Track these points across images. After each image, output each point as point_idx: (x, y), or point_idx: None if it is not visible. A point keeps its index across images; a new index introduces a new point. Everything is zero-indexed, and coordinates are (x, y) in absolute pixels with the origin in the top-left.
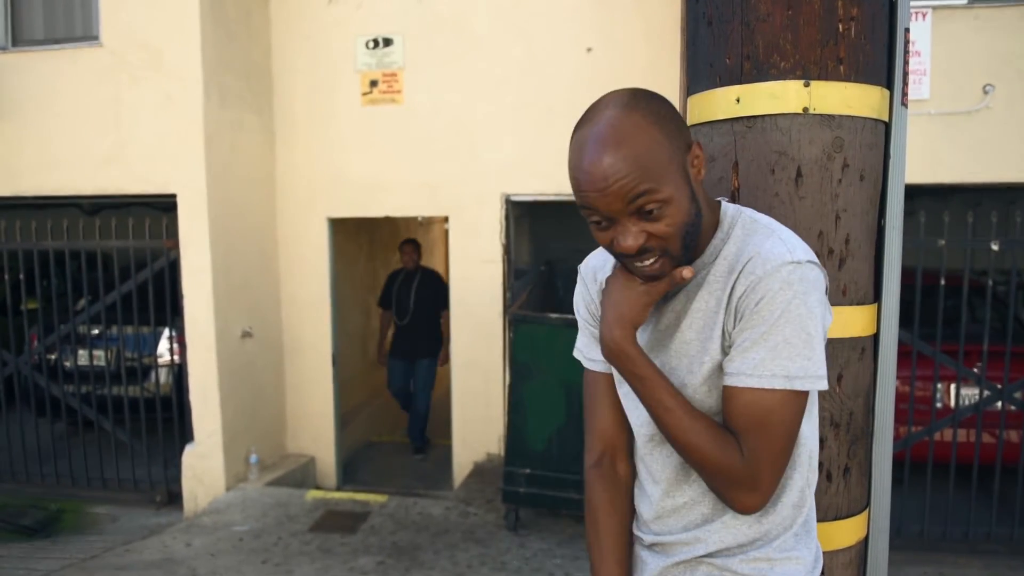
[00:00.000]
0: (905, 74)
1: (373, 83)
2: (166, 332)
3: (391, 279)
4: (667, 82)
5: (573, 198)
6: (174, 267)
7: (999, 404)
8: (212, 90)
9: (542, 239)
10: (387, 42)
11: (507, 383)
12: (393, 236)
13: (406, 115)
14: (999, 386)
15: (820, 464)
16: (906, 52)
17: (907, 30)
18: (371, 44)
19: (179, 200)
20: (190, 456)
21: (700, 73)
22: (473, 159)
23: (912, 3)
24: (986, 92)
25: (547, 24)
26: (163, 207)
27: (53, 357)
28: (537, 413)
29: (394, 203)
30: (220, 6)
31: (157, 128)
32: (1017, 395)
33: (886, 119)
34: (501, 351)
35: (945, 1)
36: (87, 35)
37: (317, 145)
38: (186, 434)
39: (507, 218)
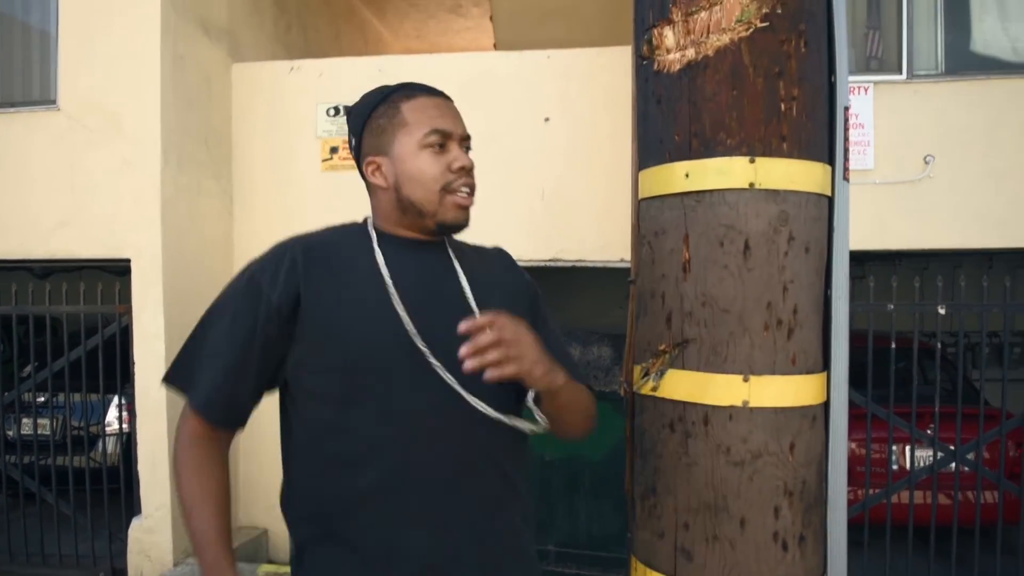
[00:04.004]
0: (846, 150)
1: (333, 150)
2: (115, 400)
3: None
4: (624, 151)
5: (533, 264)
6: (126, 333)
7: (953, 465)
8: (171, 155)
9: None
10: (348, 110)
11: None
12: None
13: None
14: (952, 447)
15: (775, 533)
16: (846, 130)
17: (847, 109)
18: (332, 111)
19: (133, 265)
20: (137, 530)
21: (650, 149)
22: None
23: (855, 78)
24: (927, 162)
25: (506, 94)
26: (116, 271)
27: None
28: None
29: None
30: (181, 72)
31: (113, 192)
32: (970, 456)
33: (829, 193)
34: None
35: (885, 76)
36: (45, 99)
37: (276, 210)
38: (133, 507)
39: None
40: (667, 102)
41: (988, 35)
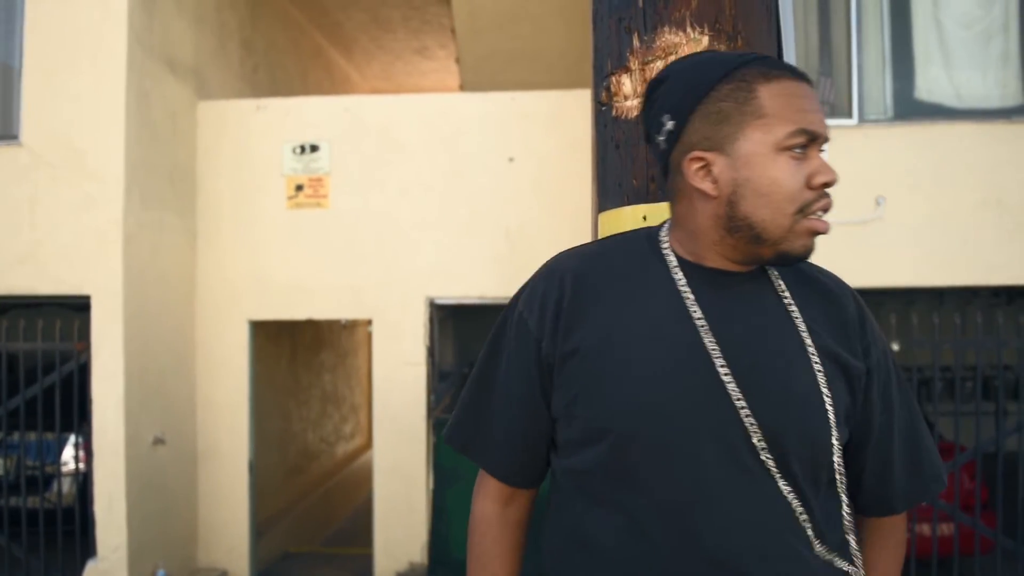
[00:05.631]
0: None
1: (299, 187)
2: (72, 438)
3: None
4: (586, 193)
5: (496, 302)
6: (84, 370)
7: None
8: (134, 191)
9: (466, 341)
10: (314, 148)
11: (430, 488)
12: (316, 338)
13: (331, 219)
14: None
15: None
16: None
17: None
18: (298, 150)
19: (93, 302)
20: (92, 573)
21: (609, 192)
22: (397, 262)
23: None
24: (878, 203)
25: (471, 134)
26: (75, 307)
27: None
28: (461, 519)
29: (317, 306)
30: (146, 108)
31: (75, 228)
32: None
33: None
34: (424, 455)
35: (838, 121)
36: (7, 134)
37: (241, 247)
38: (88, 548)
39: (431, 321)
40: (625, 147)
41: (933, 83)
